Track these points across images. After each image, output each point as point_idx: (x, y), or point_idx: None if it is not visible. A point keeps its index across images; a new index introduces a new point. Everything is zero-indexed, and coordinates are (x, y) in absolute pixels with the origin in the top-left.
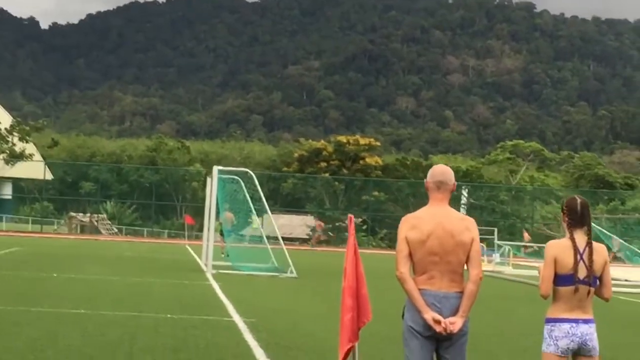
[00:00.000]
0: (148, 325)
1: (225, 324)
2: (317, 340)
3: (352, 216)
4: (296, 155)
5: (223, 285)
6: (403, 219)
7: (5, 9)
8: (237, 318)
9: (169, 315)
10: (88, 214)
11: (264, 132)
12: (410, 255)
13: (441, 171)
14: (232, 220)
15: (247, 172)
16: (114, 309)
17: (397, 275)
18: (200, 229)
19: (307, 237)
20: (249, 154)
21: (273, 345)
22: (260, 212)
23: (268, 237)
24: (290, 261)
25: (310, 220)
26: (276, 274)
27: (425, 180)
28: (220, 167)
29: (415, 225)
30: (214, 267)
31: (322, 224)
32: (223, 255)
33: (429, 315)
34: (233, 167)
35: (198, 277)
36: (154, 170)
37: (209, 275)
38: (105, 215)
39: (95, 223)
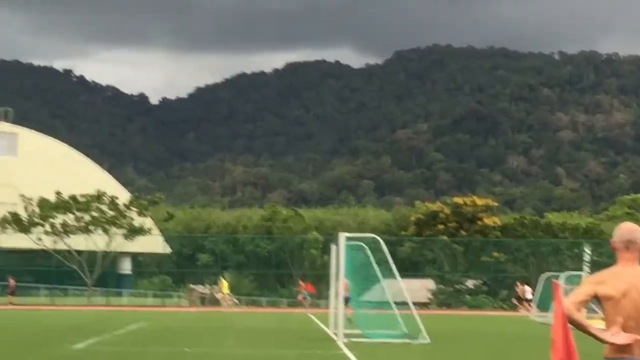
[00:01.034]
0: None
1: None
2: None
3: (558, 282)
4: (413, 218)
5: (358, 355)
6: (585, 278)
7: (116, 87)
8: None
9: None
10: (208, 286)
11: (375, 197)
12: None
13: (628, 229)
14: (347, 287)
15: (373, 238)
16: None
17: (563, 308)
18: (319, 297)
19: (427, 301)
20: (364, 219)
21: None
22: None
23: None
24: (422, 326)
25: (430, 283)
26: (408, 340)
27: (611, 240)
28: (347, 234)
29: (604, 281)
30: (345, 335)
31: (305, 285)
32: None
33: (620, 334)
34: (348, 233)
35: (330, 347)
36: (269, 240)
37: (340, 344)
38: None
39: (217, 295)
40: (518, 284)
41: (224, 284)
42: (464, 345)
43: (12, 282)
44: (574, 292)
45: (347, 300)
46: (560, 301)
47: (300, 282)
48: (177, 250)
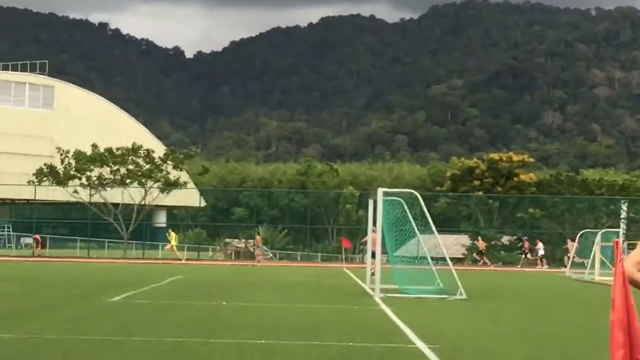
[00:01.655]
0: (332, 355)
1: (410, 351)
2: None
3: (618, 240)
4: (448, 174)
5: (395, 310)
6: None
7: (152, 40)
8: (421, 344)
9: (350, 344)
10: (243, 240)
11: (409, 152)
12: None
13: None
14: (374, 241)
15: (411, 193)
16: (294, 338)
17: (622, 268)
18: (354, 251)
19: (462, 256)
20: (398, 174)
21: None
22: (425, 233)
23: (432, 258)
24: (459, 282)
25: (465, 239)
26: (445, 296)
27: None
28: (385, 189)
29: None
30: (382, 290)
31: (261, 238)
32: (372, 276)
33: None
34: (383, 188)
35: (367, 302)
36: (304, 194)
37: (377, 299)
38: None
39: (251, 249)
40: (569, 240)
41: (172, 236)
42: (500, 301)
43: (38, 237)
44: (633, 252)
45: (373, 255)
46: (620, 260)
47: (257, 236)
48: (212, 204)
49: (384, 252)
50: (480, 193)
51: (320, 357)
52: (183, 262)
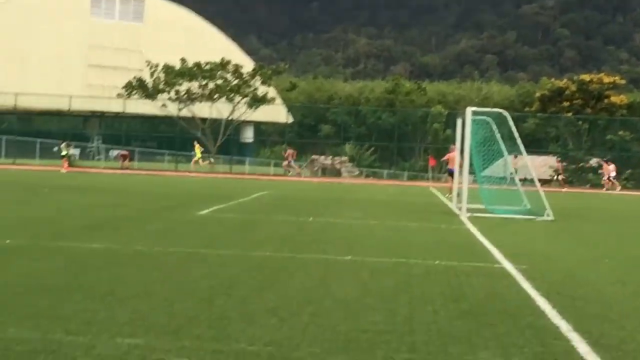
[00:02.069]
0: (419, 273)
1: (497, 271)
2: (599, 291)
3: None
4: (537, 94)
5: (482, 229)
6: None
7: None
8: (507, 265)
9: (437, 262)
10: (330, 157)
11: (498, 72)
12: None
13: None
14: (454, 160)
15: (500, 113)
16: (380, 255)
17: None
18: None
19: (549, 178)
20: (487, 94)
21: (554, 294)
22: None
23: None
24: (546, 203)
25: (552, 161)
26: (532, 216)
27: None
28: (474, 108)
29: None
30: (468, 210)
31: (294, 152)
32: (448, 195)
33: None
34: (472, 107)
35: (453, 221)
36: (392, 112)
37: (463, 219)
38: (347, 158)
39: (338, 166)
40: (603, 164)
41: (197, 148)
42: (588, 223)
43: (124, 152)
44: None
45: (451, 174)
46: None
47: (289, 150)
48: (299, 120)
49: (471, 172)
50: (570, 114)
51: (406, 274)
52: (302, 177)
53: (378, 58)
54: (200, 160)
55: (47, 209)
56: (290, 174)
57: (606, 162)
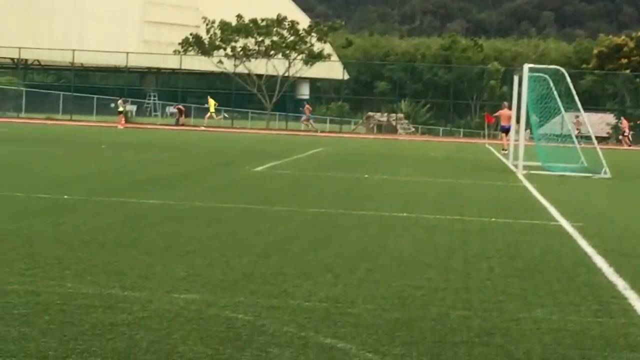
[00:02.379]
0: (475, 230)
1: (553, 228)
2: None
3: None
4: (595, 51)
5: (538, 187)
6: None
7: None
8: (563, 222)
9: (493, 219)
10: (386, 114)
11: (555, 29)
12: None
13: None
14: (509, 117)
15: (557, 69)
16: (436, 212)
17: None
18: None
19: (606, 135)
20: (544, 51)
21: (611, 252)
22: (571, 111)
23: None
24: (603, 161)
25: (610, 118)
26: (589, 174)
27: None
28: (531, 65)
29: None
30: (524, 167)
31: (310, 107)
32: (503, 152)
33: None
34: (528, 64)
35: (509, 178)
36: (448, 69)
37: (520, 176)
38: (402, 115)
39: (394, 123)
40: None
41: (211, 103)
42: None
43: (181, 107)
44: None
45: (507, 131)
46: None
47: (307, 105)
48: (355, 77)
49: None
50: (628, 71)
51: (462, 231)
52: (319, 133)
53: (434, 15)
54: (214, 115)
55: (104, 165)
56: (309, 128)
57: (624, 117)
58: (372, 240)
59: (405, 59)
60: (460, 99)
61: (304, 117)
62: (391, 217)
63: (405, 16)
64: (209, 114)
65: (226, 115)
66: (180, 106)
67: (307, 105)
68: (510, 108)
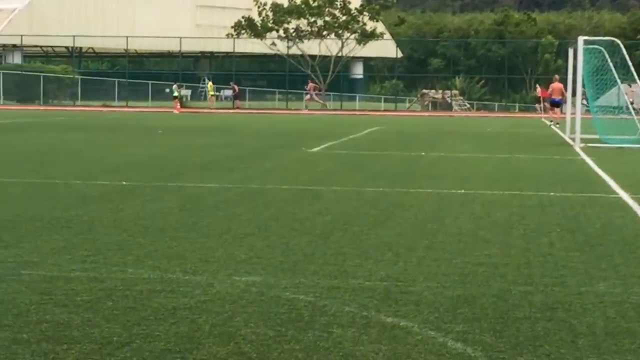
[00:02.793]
0: (533, 205)
1: (613, 201)
2: None
3: None
4: None
5: (597, 160)
6: None
7: None
8: (623, 194)
9: (551, 194)
10: (440, 91)
11: (609, 0)
12: None
13: None
14: (560, 90)
15: (612, 41)
16: (493, 188)
17: None
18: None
19: None
20: (598, 23)
21: None
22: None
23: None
24: None
25: None
26: None
27: None
28: (585, 37)
29: None
30: (582, 140)
31: (315, 85)
32: (551, 124)
33: None
34: (583, 36)
35: (567, 152)
36: (501, 44)
37: (577, 149)
38: (457, 92)
39: (449, 99)
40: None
41: (210, 86)
42: None
43: (235, 87)
44: None
45: (557, 104)
46: None
47: (310, 84)
48: (409, 54)
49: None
50: None
51: (520, 207)
52: (327, 109)
53: None
54: (213, 98)
55: (161, 150)
56: (308, 107)
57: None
58: (430, 217)
59: (459, 35)
60: (515, 74)
61: (307, 96)
62: (449, 194)
63: None
64: (209, 96)
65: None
66: (235, 86)
67: (310, 83)
68: (560, 81)
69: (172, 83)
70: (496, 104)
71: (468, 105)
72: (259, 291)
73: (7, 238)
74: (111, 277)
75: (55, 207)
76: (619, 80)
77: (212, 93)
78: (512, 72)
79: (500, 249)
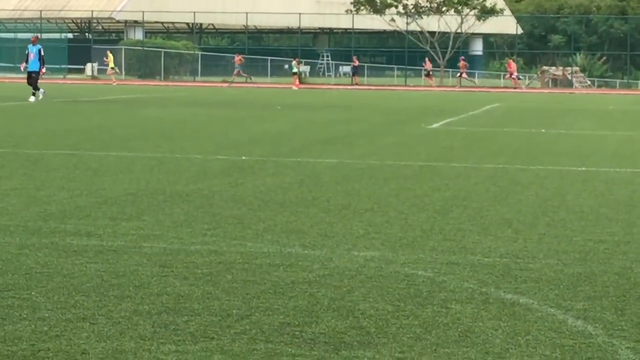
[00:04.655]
0: None
1: None
2: None
3: None
4: None
5: None
6: None
7: None
8: None
9: None
10: (561, 68)
11: None
12: None
13: None
14: None
15: None
16: (615, 165)
17: None
18: None
19: None
20: None
21: None
22: None
23: None
24: None
25: None
26: None
27: None
28: None
29: None
30: None
31: (242, 58)
32: None
33: None
34: None
35: None
36: (624, 20)
37: None
38: (578, 69)
39: (569, 77)
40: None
41: (110, 58)
42: None
43: (356, 61)
44: None
45: None
46: None
47: (237, 56)
48: (529, 31)
49: None
50: None
51: None
52: (251, 81)
53: None
54: (116, 69)
55: (281, 126)
56: (233, 82)
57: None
58: (551, 195)
59: (580, 11)
60: (638, 51)
61: (235, 70)
62: (570, 171)
63: None
64: (109, 69)
65: (117, 70)
66: (357, 60)
67: (237, 56)
68: None
69: (291, 59)
70: (618, 81)
71: (589, 83)
72: (377, 266)
73: (130, 211)
74: (231, 250)
75: (177, 181)
76: None
77: (112, 65)
78: (634, 49)
79: (622, 227)
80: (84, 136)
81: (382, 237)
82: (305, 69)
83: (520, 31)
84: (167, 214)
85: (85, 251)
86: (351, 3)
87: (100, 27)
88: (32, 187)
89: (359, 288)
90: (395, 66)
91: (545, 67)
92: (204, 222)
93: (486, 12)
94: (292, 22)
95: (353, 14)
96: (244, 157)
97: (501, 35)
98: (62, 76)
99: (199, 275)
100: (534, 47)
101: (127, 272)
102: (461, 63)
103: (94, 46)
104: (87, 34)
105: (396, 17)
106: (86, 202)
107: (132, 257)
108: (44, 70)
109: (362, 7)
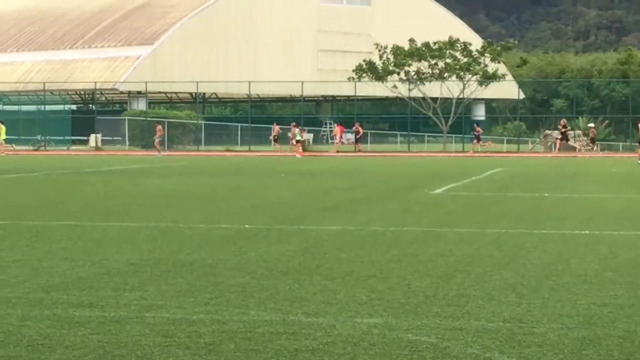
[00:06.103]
0: None
1: None
2: None
3: None
4: None
5: None
6: None
7: None
8: None
9: None
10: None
11: None
12: None
13: None
14: None
15: None
16: (619, 228)
17: None
18: None
19: None
20: None
21: None
22: None
23: None
24: None
25: None
26: None
27: None
28: None
29: None
30: None
31: (161, 128)
32: None
33: None
34: None
35: None
36: (625, 84)
37: None
38: (580, 132)
39: (572, 141)
40: None
41: (2, 129)
42: None
43: (359, 129)
44: None
45: None
46: None
47: (158, 126)
48: (531, 95)
49: None
50: None
51: None
52: (160, 155)
53: (609, 29)
54: (3, 142)
55: (284, 193)
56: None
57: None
58: (555, 258)
59: (581, 75)
60: None
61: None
62: (573, 234)
63: (580, 32)
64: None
65: (14, 147)
66: (360, 127)
67: (158, 126)
68: None
69: (288, 127)
70: (621, 144)
71: (592, 146)
72: (380, 333)
73: (132, 281)
74: (233, 319)
75: (179, 251)
76: None
77: (3, 137)
78: (637, 112)
79: (626, 290)
80: (86, 206)
81: (385, 303)
82: (309, 136)
83: (522, 96)
84: (170, 284)
85: (88, 322)
86: (353, 70)
87: (103, 98)
88: (35, 258)
89: (362, 355)
90: (398, 132)
91: (547, 131)
92: (207, 291)
93: (488, 78)
94: (294, 90)
95: (355, 81)
96: (247, 225)
97: (503, 100)
98: (66, 147)
99: (201, 345)
100: (536, 112)
101: (130, 342)
102: (477, 129)
103: (97, 117)
104: (90, 105)
105: (398, 84)
106: (89, 272)
107: (135, 327)
108: None
109: (364, 75)
